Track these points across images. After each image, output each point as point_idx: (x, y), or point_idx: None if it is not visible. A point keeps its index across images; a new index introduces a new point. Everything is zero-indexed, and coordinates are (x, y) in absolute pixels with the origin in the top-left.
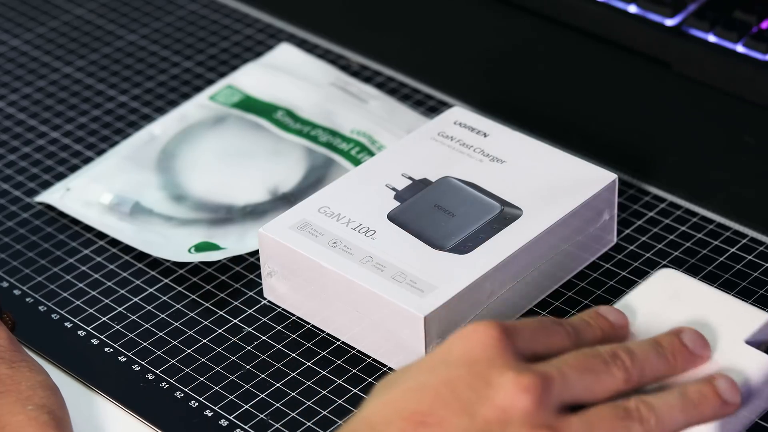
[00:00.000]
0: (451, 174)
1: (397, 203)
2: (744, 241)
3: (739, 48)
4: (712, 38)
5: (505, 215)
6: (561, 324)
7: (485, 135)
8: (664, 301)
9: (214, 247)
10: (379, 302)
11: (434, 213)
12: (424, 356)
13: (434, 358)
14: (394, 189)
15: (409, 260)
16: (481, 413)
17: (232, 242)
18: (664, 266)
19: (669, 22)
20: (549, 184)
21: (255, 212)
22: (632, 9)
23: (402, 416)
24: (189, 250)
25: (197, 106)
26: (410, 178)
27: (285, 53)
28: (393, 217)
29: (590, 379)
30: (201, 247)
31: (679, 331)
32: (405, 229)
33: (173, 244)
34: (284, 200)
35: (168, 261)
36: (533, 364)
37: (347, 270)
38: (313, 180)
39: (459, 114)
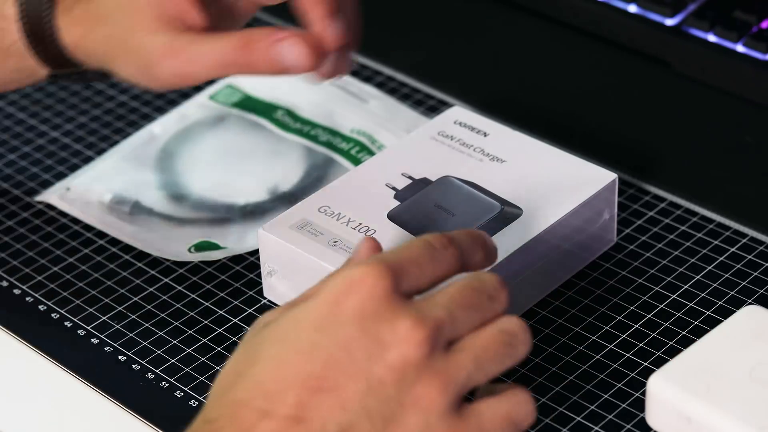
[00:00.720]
0: (451, 173)
1: (397, 202)
2: (744, 240)
3: (739, 48)
4: (712, 38)
5: (505, 215)
6: (448, 247)
7: (485, 135)
8: (747, 338)
9: (214, 246)
10: None
11: (434, 212)
12: (310, 302)
13: (322, 310)
14: (394, 188)
15: None
16: (376, 374)
17: (232, 242)
18: (749, 304)
19: (669, 22)
20: (549, 184)
21: (255, 212)
22: (632, 9)
23: (297, 382)
24: (189, 250)
25: (197, 106)
26: (410, 177)
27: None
28: (393, 217)
29: (475, 316)
30: (201, 247)
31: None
32: (405, 229)
33: (173, 244)
34: (284, 200)
35: (168, 260)
36: (422, 306)
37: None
38: (313, 179)
39: (459, 114)
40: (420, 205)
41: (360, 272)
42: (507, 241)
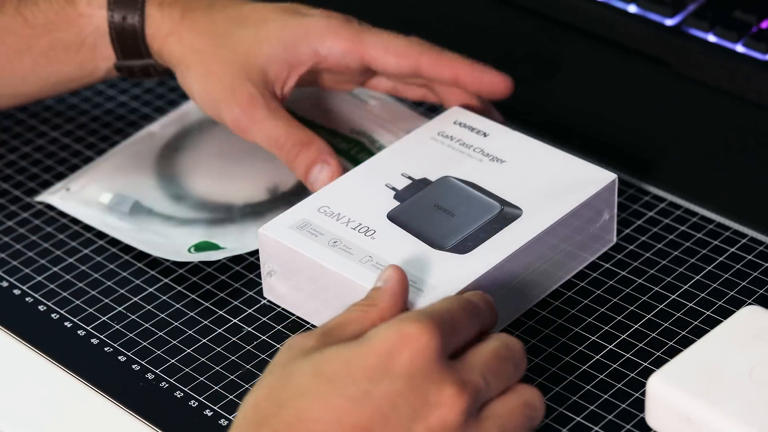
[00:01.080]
0: (451, 173)
1: (397, 203)
2: (744, 241)
3: (739, 48)
4: (712, 38)
5: (505, 215)
6: (473, 311)
7: (485, 135)
8: (747, 338)
9: (213, 246)
10: None
11: (434, 213)
12: (362, 348)
13: (375, 360)
14: (393, 189)
15: (409, 260)
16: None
17: (232, 242)
18: (749, 304)
19: (669, 22)
20: (549, 184)
21: (254, 212)
22: (632, 9)
23: (343, 429)
24: (189, 250)
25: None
26: (410, 177)
27: None
28: (393, 217)
29: (502, 383)
30: (200, 247)
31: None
32: (405, 229)
33: (173, 244)
34: (284, 200)
35: (168, 261)
36: (463, 370)
37: (347, 270)
38: None
39: (459, 114)
40: (419, 205)
41: (415, 329)
42: (507, 242)
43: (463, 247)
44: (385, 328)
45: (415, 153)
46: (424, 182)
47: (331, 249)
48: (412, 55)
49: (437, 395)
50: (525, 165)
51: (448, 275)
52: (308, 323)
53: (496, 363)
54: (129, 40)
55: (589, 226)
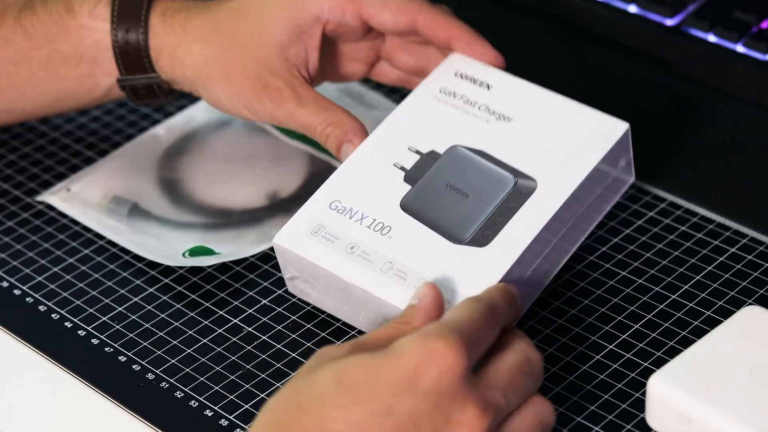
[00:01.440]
0: (457, 140)
1: (408, 186)
2: (744, 241)
3: (739, 48)
4: (712, 38)
5: (520, 189)
6: (496, 317)
7: (488, 87)
8: (748, 339)
9: (208, 251)
10: None
11: (447, 195)
12: (388, 361)
13: (400, 376)
14: (402, 168)
15: (430, 262)
16: None
17: (228, 247)
18: (749, 304)
19: (669, 22)
20: (560, 143)
21: (252, 218)
22: (632, 9)
23: None
24: (183, 254)
25: (203, 109)
26: (417, 152)
27: None
28: (406, 206)
29: (521, 398)
30: (195, 252)
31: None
32: (419, 220)
33: (168, 248)
34: (282, 207)
35: (162, 264)
36: (485, 389)
37: (369, 283)
38: (313, 187)
39: (459, 63)
40: (431, 188)
41: (443, 346)
42: (526, 226)
43: (482, 237)
44: (412, 342)
45: (418, 119)
46: (433, 156)
47: (349, 257)
48: (409, 11)
49: (460, 415)
50: (533, 122)
51: (472, 278)
52: (308, 324)
53: (517, 380)
54: (132, 53)
55: (607, 178)
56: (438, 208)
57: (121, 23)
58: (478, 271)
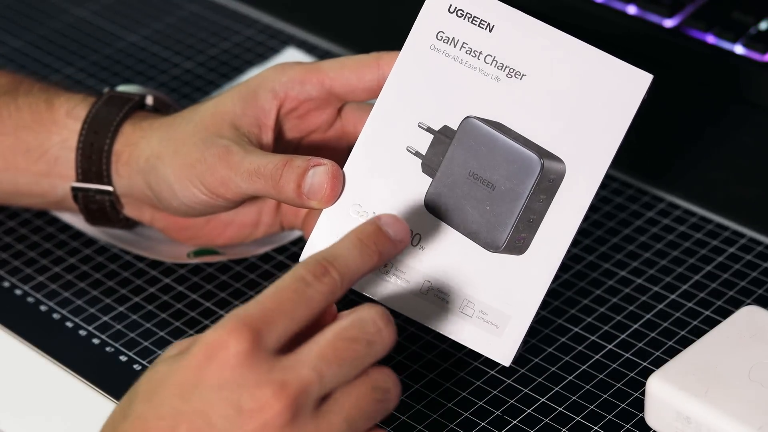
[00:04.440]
0: (468, 109)
1: (428, 178)
2: (743, 241)
3: (738, 49)
4: (710, 39)
5: (548, 175)
6: (326, 275)
7: (491, 29)
8: (746, 338)
9: (212, 252)
10: (457, 344)
11: (471, 188)
12: (178, 362)
13: (184, 376)
14: (417, 154)
15: (467, 278)
16: None
17: (232, 248)
18: (747, 304)
19: (667, 23)
20: (582, 106)
21: None
22: (631, 10)
23: None
24: (188, 255)
25: None
26: (429, 129)
27: (291, 58)
28: (430, 205)
29: (349, 369)
30: (200, 253)
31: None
32: (447, 222)
33: (173, 248)
34: None
35: (168, 261)
36: (287, 367)
37: (411, 310)
38: None
39: None
40: (453, 179)
41: (218, 337)
42: (562, 224)
43: (518, 241)
44: (198, 339)
45: (420, 81)
46: (447, 134)
47: (386, 281)
48: (370, 63)
49: (251, 401)
50: (548, 79)
51: (516, 295)
52: None
53: (335, 348)
54: (93, 156)
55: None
56: (464, 206)
57: (92, 125)
58: (523, 287)
